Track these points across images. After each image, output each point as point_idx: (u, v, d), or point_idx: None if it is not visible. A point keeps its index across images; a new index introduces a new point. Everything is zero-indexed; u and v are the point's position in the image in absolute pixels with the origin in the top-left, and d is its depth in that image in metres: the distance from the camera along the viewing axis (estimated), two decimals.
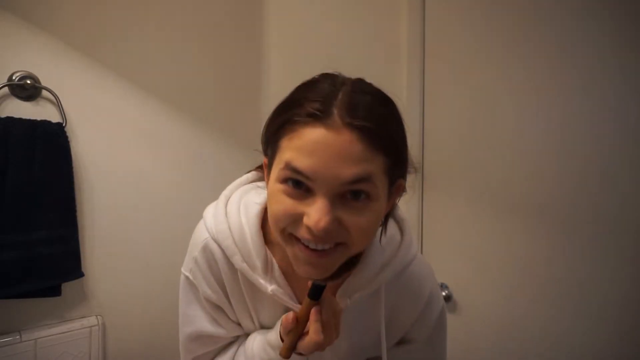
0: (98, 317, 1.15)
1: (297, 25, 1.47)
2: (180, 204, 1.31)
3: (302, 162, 0.48)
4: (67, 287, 1.08)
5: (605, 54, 1.12)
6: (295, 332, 0.58)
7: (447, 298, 1.27)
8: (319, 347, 0.56)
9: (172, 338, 1.32)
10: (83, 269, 1.10)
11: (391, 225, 0.65)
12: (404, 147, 0.54)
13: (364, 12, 1.51)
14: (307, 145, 0.48)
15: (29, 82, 1.03)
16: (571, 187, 1.16)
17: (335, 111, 0.48)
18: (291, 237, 0.52)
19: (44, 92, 1.06)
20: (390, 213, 0.61)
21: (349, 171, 0.47)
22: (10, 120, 0.99)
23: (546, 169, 1.19)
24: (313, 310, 0.56)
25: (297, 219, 0.50)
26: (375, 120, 0.49)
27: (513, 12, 1.25)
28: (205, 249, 0.64)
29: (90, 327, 1.12)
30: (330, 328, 0.57)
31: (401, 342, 0.73)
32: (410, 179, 0.61)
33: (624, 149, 1.10)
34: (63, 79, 1.09)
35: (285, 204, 0.50)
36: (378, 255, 0.62)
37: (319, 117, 0.48)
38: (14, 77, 1.02)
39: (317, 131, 0.48)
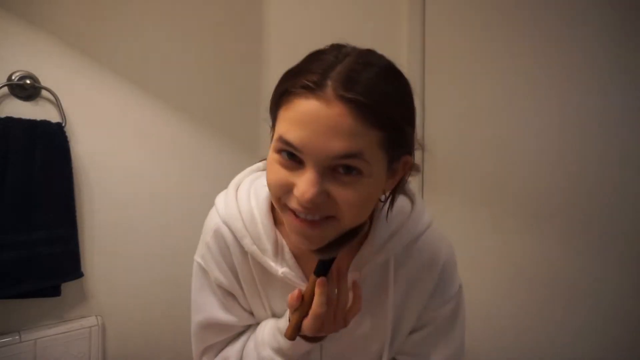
0: (98, 317, 1.14)
1: (297, 26, 1.47)
2: (180, 204, 1.31)
3: (293, 135, 0.48)
4: (67, 287, 1.08)
5: (606, 55, 1.11)
6: (301, 310, 0.57)
7: None
8: (320, 321, 0.56)
9: (172, 338, 1.32)
10: (83, 269, 1.10)
11: (401, 198, 0.65)
12: (407, 124, 0.52)
13: (364, 13, 1.51)
14: (298, 117, 0.48)
15: (28, 82, 1.03)
16: (571, 188, 1.16)
17: (329, 83, 0.47)
18: (285, 207, 0.52)
19: (44, 92, 1.06)
20: (397, 189, 0.59)
21: (338, 146, 0.46)
22: (10, 120, 0.99)
23: (546, 170, 1.19)
24: (317, 283, 0.55)
25: (289, 189, 0.50)
26: (371, 93, 0.47)
27: (513, 13, 1.25)
28: (217, 233, 0.65)
29: (90, 327, 1.12)
30: (335, 305, 0.56)
31: (417, 327, 0.68)
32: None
33: (625, 150, 1.10)
34: (63, 79, 1.08)
35: (279, 174, 0.51)
36: (386, 226, 0.62)
37: (312, 89, 0.47)
38: (13, 77, 1.02)
39: (309, 103, 0.47)
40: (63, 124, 1.07)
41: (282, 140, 0.49)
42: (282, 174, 0.50)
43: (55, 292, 1.06)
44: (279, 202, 0.52)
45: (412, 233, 0.63)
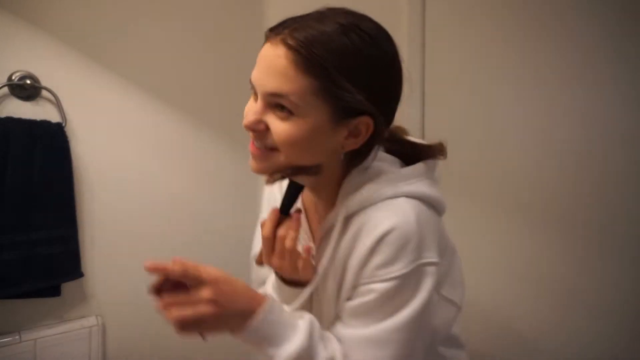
0: (98, 317, 1.14)
1: None
2: (180, 204, 1.31)
3: (253, 73, 0.58)
4: (67, 287, 1.08)
5: (608, 54, 1.11)
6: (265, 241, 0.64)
7: None
8: (265, 251, 0.64)
9: (172, 338, 1.32)
10: (83, 269, 1.10)
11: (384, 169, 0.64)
12: (357, 82, 0.54)
13: (364, 13, 1.51)
14: (258, 58, 0.58)
15: (28, 82, 1.03)
16: (572, 185, 1.16)
17: (284, 32, 0.54)
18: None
19: (44, 92, 1.06)
20: (364, 151, 0.61)
21: (271, 84, 0.54)
22: (10, 120, 0.99)
23: (547, 168, 1.19)
24: (268, 216, 0.64)
25: (245, 118, 0.59)
26: (312, 44, 0.52)
27: (513, 11, 1.25)
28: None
29: (90, 327, 1.12)
30: (281, 244, 0.62)
31: (352, 297, 0.63)
32: None
33: (626, 150, 1.10)
34: (63, 79, 1.09)
35: (248, 106, 0.60)
36: (350, 186, 0.63)
37: (271, 36, 0.56)
38: (13, 77, 1.02)
39: (265, 47, 0.57)
40: (63, 124, 1.07)
41: (250, 85, 0.59)
42: (249, 106, 0.60)
43: (55, 292, 1.06)
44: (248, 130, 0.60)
45: (369, 198, 0.61)
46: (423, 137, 1.40)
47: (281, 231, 0.62)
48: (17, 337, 1.02)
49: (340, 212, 0.62)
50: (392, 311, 0.58)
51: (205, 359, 1.38)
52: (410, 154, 0.70)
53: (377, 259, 0.57)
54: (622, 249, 1.10)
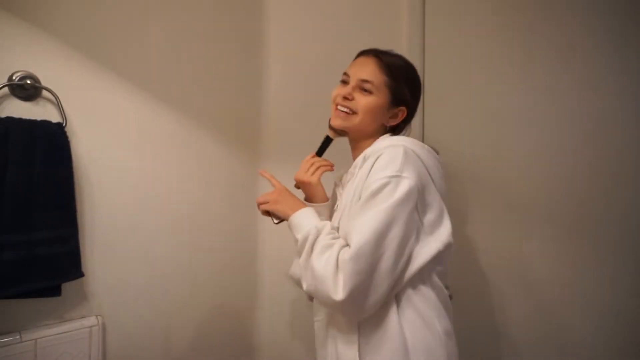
0: (98, 317, 1.15)
1: (297, 27, 1.47)
2: (180, 204, 1.31)
3: (349, 70, 1.01)
4: (67, 287, 1.08)
5: (606, 56, 1.12)
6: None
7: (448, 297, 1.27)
8: (300, 173, 1.08)
9: (172, 338, 1.32)
10: (83, 269, 1.10)
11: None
12: (405, 86, 1.00)
13: (364, 13, 1.51)
14: (355, 63, 1.02)
15: (29, 82, 1.03)
16: (571, 186, 1.16)
17: (374, 52, 1.01)
18: (335, 106, 1.01)
19: (44, 92, 1.06)
20: (396, 130, 1.04)
21: (364, 74, 0.98)
22: (10, 120, 0.99)
23: (546, 169, 1.19)
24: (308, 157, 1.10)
25: (338, 95, 1.00)
26: (390, 59, 1.00)
27: (512, 13, 1.25)
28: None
29: (90, 327, 1.12)
30: (303, 171, 1.07)
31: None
32: None
33: (625, 150, 1.10)
34: (63, 79, 1.09)
35: (336, 90, 1.02)
36: (377, 143, 0.99)
37: (366, 53, 1.02)
38: (14, 77, 1.02)
39: (362, 57, 1.02)
40: (63, 124, 1.07)
41: (344, 74, 1.02)
42: (337, 89, 1.02)
43: (55, 292, 1.06)
44: (333, 103, 1.02)
45: (379, 146, 0.94)
46: (423, 138, 1.40)
47: (313, 158, 1.09)
48: (18, 337, 1.02)
49: (361, 155, 0.97)
50: (376, 204, 0.83)
51: (205, 358, 1.38)
52: None
53: (375, 170, 0.87)
54: (623, 249, 1.10)
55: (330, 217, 1.06)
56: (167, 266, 1.29)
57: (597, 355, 1.13)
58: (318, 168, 1.06)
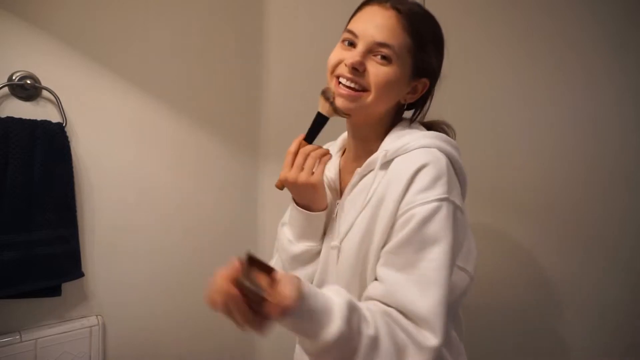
0: (98, 317, 1.15)
1: (297, 25, 1.47)
2: (180, 204, 1.31)
3: (356, 26, 0.71)
4: (67, 287, 1.08)
5: (604, 54, 1.12)
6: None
7: None
8: (283, 176, 0.74)
9: (172, 338, 1.32)
10: (83, 269, 1.10)
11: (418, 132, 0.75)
12: (432, 50, 0.74)
13: None
14: (364, 16, 0.72)
15: (29, 82, 1.03)
16: (572, 187, 1.16)
17: (389, 1, 0.71)
18: (334, 76, 0.73)
19: (44, 92, 1.06)
20: (417, 106, 0.80)
21: (380, 35, 0.68)
22: (10, 120, 0.99)
23: (545, 169, 1.19)
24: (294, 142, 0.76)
25: (340, 62, 0.71)
26: (414, 14, 0.71)
27: (513, 12, 1.25)
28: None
29: (90, 327, 1.12)
30: (298, 168, 0.74)
31: (389, 239, 0.67)
32: None
33: (624, 149, 1.10)
34: (63, 79, 1.09)
35: (337, 53, 0.73)
36: (394, 135, 0.75)
37: (375, 2, 0.72)
38: (14, 77, 1.02)
39: (373, 8, 0.72)
40: (63, 124, 1.07)
41: (348, 31, 0.72)
42: (339, 53, 0.72)
43: (55, 292, 1.06)
44: (332, 73, 0.73)
45: (406, 145, 0.70)
46: None
47: (307, 148, 0.75)
48: (18, 336, 1.02)
49: (381, 154, 0.71)
50: (431, 241, 0.62)
51: (205, 358, 1.38)
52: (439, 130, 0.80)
53: (416, 186, 0.65)
54: (624, 249, 1.10)
55: (324, 227, 0.79)
56: (167, 266, 1.29)
57: (598, 354, 1.13)
58: (319, 161, 0.75)
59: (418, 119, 0.81)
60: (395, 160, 0.70)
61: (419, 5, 0.74)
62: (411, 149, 0.69)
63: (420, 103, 0.80)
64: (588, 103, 1.14)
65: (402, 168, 0.67)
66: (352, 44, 0.71)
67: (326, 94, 0.74)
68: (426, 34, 0.73)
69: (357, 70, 0.69)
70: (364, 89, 0.70)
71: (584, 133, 1.14)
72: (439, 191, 0.64)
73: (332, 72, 0.73)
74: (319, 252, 0.79)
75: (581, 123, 1.14)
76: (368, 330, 0.58)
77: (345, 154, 0.85)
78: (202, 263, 1.36)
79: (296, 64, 1.47)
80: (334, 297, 0.58)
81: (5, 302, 1.01)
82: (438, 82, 0.80)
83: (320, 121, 0.76)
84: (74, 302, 1.12)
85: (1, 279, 0.96)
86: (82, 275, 1.09)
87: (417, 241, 0.63)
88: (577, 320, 1.15)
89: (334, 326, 0.55)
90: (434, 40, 0.75)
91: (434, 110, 1.44)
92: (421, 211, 0.63)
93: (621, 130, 1.09)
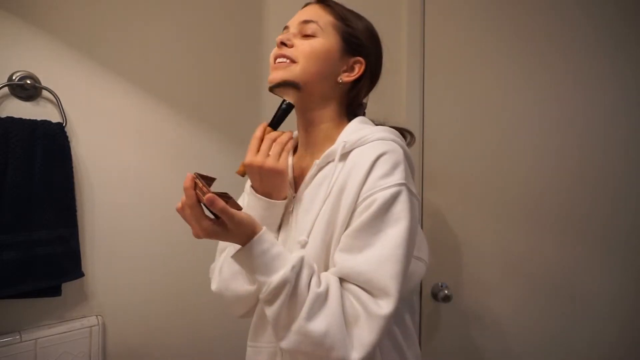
0: (98, 317, 1.15)
1: None
2: None
3: (289, 21, 0.82)
4: (67, 287, 1.08)
5: (605, 54, 1.12)
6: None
7: (447, 298, 1.27)
8: (248, 161, 0.74)
9: (172, 338, 1.32)
10: (83, 269, 1.10)
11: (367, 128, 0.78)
12: (360, 30, 0.81)
13: (364, 12, 1.51)
14: (295, 15, 0.82)
15: (29, 82, 1.03)
16: (570, 186, 1.16)
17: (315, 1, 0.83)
18: (273, 60, 0.79)
19: (44, 92, 1.06)
20: (360, 88, 0.83)
21: (304, 16, 0.79)
22: (10, 120, 0.99)
23: (545, 169, 1.20)
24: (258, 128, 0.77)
25: (276, 45, 0.79)
26: (337, 6, 0.81)
27: (512, 13, 1.25)
28: None
29: (90, 327, 1.12)
30: (264, 154, 0.74)
31: (351, 222, 0.69)
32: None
33: (624, 149, 1.10)
34: (63, 79, 1.09)
35: (276, 48, 0.79)
36: (350, 128, 0.78)
37: (307, 4, 0.84)
38: (14, 77, 1.02)
39: (304, 8, 0.83)
40: (63, 124, 1.07)
41: (284, 27, 0.82)
42: (277, 48, 0.79)
43: (55, 292, 1.06)
44: (273, 59, 0.79)
45: (365, 137, 0.74)
46: (423, 137, 1.40)
47: (272, 134, 0.76)
48: (18, 336, 1.02)
49: (340, 145, 0.74)
50: (391, 222, 0.66)
51: (205, 358, 1.38)
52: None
53: (376, 172, 0.68)
54: (624, 248, 1.10)
55: (280, 218, 0.80)
56: (167, 266, 1.29)
57: (598, 354, 1.13)
58: (283, 147, 0.75)
59: (361, 99, 0.85)
60: (354, 151, 0.73)
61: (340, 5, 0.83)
62: (369, 141, 0.73)
63: (361, 89, 0.83)
64: (590, 102, 1.14)
65: (362, 157, 0.71)
66: (284, 44, 0.78)
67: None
68: (351, 17, 0.81)
69: (285, 45, 0.77)
70: (293, 61, 0.76)
71: (586, 132, 1.14)
72: (397, 177, 0.68)
73: (273, 58, 0.79)
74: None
75: (583, 122, 1.15)
76: (317, 288, 0.63)
77: (296, 151, 0.87)
78: (202, 263, 1.36)
79: None
80: (292, 254, 0.66)
81: (5, 302, 1.01)
82: (383, 73, 0.86)
83: (285, 108, 0.79)
84: (74, 302, 1.12)
85: (1, 279, 0.96)
86: (82, 275, 1.09)
87: (377, 224, 0.66)
88: (578, 320, 1.15)
89: (282, 272, 0.62)
90: (363, 27, 0.82)
91: (435, 110, 1.45)
92: (382, 195, 0.66)
93: (625, 129, 1.09)
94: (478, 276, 1.30)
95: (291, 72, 0.76)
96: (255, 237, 0.63)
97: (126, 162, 1.20)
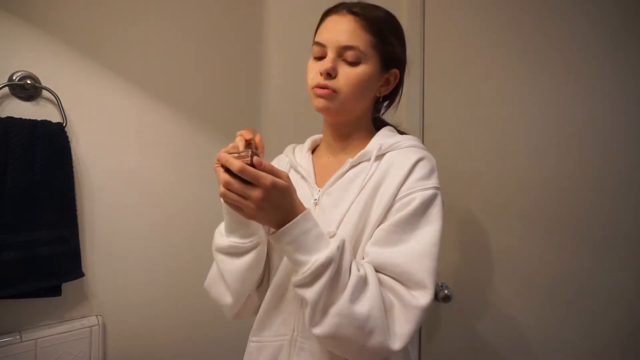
0: (98, 317, 1.15)
1: (297, 25, 1.47)
2: (180, 204, 1.31)
3: (322, 37, 0.78)
4: (67, 287, 1.08)
5: (606, 54, 1.12)
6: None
7: (447, 298, 1.27)
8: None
9: (172, 337, 1.32)
10: (83, 269, 1.10)
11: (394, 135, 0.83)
12: (395, 42, 0.80)
13: None
14: (326, 26, 0.79)
15: (29, 82, 1.03)
16: (570, 187, 1.16)
17: (344, 7, 0.78)
18: (311, 87, 0.78)
19: (44, 92, 1.06)
20: (392, 97, 0.89)
21: (343, 39, 0.75)
22: (10, 120, 0.99)
23: (545, 169, 1.20)
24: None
25: (315, 74, 0.77)
26: (369, 13, 0.77)
27: (512, 12, 1.25)
28: (279, 158, 0.96)
29: (90, 327, 1.12)
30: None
31: (385, 219, 0.72)
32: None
33: (624, 149, 1.10)
34: (63, 79, 1.09)
35: (311, 68, 0.79)
36: (382, 135, 0.82)
37: (332, 12, 0.79)
38: (14, 77, 1.02)
39: (332, 18, 0.79)
40: (64, 124, 1.07)
41: (316, 43, 0.78)
42: (313, 68, 0.78)
43: (55, 292, 1.06)
44: (310, 86, 0.78)
45: (398, 143, 0.79)
46: (423, 138, 1.40)
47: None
48: (18, 336, 1.02)
49: (376, 147, 0.78)
50: (428, 221, 0.70)
51: (205, 358, 1.38)
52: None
53: (416, 174, 0.73)
54: (625, 248, 1.10)
55: None
56: (167, 266, 1.29)
57: (598, 354, 1.13)
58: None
59: (392, 106, 0.91)
60: (389, 154, 0.78)
61: (369, 4, 0.80)
62: (404, 146, 0.78)
63: (393, 93, 0.88)
64: (590, 102, 1.14)
65: (401, 159, 0.75)
66: (321, 58, 0.77)
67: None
68: (385, 27, 0.79)
69: (330, 75, 0.75)
70: (336, 90, 0.76)
71: (587, 133, 1.14)
72: (434, 181, 0.74)
73: (310, 84, 0.78)
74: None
75: (583, 123, 1.14)
76: (359, 271, 0.65)
77: (317, 151, 0.91)
78: (202, 263, 1.36)
79: (296, 64, 1.47)
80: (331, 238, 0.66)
81: (5, 302, 1.01)
82: (406, 69, 0.88)
83: None
84: (74, 302, 1.12)
85: (1, 279, 0.96)
86: (82, 275, 1.09)
87: (415, 221, 0.70)
88: (578, 320, 1.15)
89: (328, 250, 0.62)
90: (393, 31, 0.81)
91: (435, 110, 1.45)
92: (421, 195, 0.71)
93: (625, 130, 1.09)
94: (478, 276, 1.30)
95: (336, 102, 0.77)
96: (304, 213, 0.63)
97: (126, 162, 1.20)
